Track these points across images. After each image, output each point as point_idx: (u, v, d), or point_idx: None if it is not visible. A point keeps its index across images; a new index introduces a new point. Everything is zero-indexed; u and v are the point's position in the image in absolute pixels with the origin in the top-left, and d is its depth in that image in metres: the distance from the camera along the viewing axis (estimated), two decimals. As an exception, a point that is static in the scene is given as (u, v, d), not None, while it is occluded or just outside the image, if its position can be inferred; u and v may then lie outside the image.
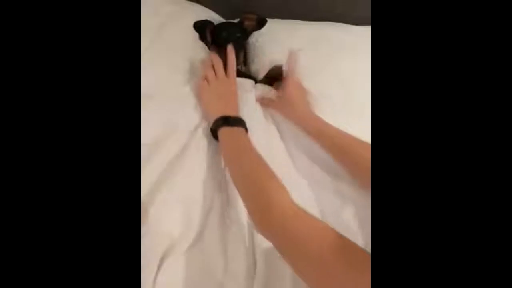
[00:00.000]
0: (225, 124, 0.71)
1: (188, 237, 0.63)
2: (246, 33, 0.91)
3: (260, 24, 0.91)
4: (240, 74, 0.83)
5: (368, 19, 0.94)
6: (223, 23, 0.92)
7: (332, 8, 0.99)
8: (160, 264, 0.60)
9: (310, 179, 0.74)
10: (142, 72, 0.58)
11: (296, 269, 0.48)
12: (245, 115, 0.75)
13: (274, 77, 0.86)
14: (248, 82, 0.85)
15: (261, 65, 0.89)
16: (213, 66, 0.79)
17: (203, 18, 0.89)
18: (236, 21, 0.92)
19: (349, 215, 0.69)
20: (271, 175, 0.59)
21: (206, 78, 0.78)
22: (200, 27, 0.88)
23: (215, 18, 0.95)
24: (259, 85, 0.86)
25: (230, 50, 0.80)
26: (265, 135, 0.77)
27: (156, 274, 0.58)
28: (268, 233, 0.54)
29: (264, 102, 0.83)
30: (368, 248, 0.39)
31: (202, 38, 0.88)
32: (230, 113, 0.73)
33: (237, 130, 0.71)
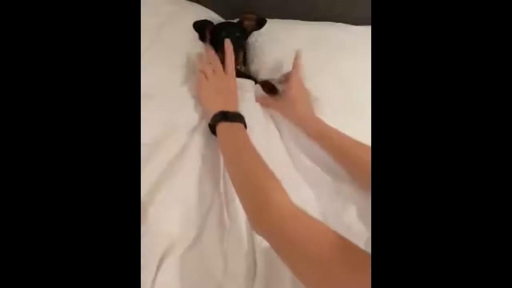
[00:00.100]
0: (224, 119, 0.70)
1: (187, 237, 0.63)
2: (246, 33, 0.91)
3: (260, 24, 0.91)
4: (239, 74, 0.83)
5: (368, 19, 0.93)
6: (222, 23, 0.92)
7: (332, 8, 0.99)
8: (160, 264, 0.59)
9: (310, 179, 0.74)
10: (142, 72, 0.57)
11: (294, 270, 0.47)
12: (245, 114, 0.74)
13: (268, 90, 0.86)
14: (248, 82, 0.84)
15: (261, 65, 0.89)
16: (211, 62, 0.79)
17: (203, 18, 0.89)
18: (235, 21, 0.92)
19: (350, 216, 0.68)
20: (270, 174, 0.58)
21: (204, 74, 0.77)
22: (200, 27, 0.88)
23: (215, 18, 0.94)
24: (258, 85, 0.86)
25: (228, 45, 0.79)
26: (265, 135, 0.77)
27: (156, 274, 0.58)
28: (265, 233, 0.53)
29: (264, 102, 0.83)
30: (369, 249, 0.39)
31: (202, 38, 0.88)
32: (229, 108, 0.72)
33: (236, 125, 0.70)
